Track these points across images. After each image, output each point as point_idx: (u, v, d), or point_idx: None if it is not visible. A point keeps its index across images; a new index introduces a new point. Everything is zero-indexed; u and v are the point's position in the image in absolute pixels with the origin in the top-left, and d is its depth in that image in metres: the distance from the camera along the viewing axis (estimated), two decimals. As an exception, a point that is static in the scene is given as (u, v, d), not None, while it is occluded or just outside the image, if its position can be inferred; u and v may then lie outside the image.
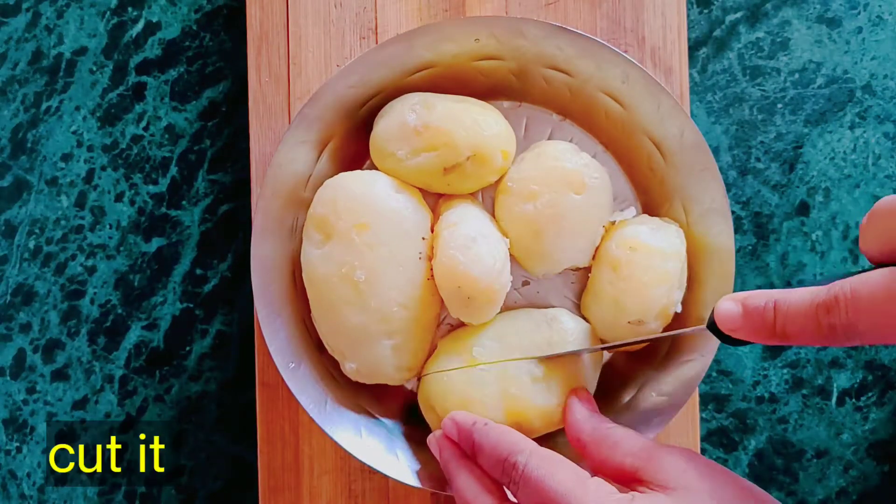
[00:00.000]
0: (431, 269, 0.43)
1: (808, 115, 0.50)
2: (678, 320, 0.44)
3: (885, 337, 0.28)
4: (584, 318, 0.45)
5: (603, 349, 0.43)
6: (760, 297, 0.32)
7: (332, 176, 0.44)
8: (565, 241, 0.44)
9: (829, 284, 0.29)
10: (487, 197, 0.47)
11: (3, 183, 0.52)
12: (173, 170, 0.52)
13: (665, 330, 0.44)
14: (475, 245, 0.41)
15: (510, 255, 0.44)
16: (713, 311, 0.34)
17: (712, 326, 0.34)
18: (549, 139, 0.47)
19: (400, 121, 0.43)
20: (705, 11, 0.51)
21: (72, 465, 0.51)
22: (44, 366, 0.52)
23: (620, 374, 0.46)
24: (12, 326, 0.52)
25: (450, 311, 0.43)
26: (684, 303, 0.44)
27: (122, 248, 0.52)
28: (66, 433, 0.51)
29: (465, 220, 0.42)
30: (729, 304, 0.33)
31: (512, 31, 0.44)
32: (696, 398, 0.47)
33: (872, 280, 0.28)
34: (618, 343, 0.43)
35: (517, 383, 0.42)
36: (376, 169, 0.45)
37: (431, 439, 0.41)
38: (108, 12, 0.52)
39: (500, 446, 0.35)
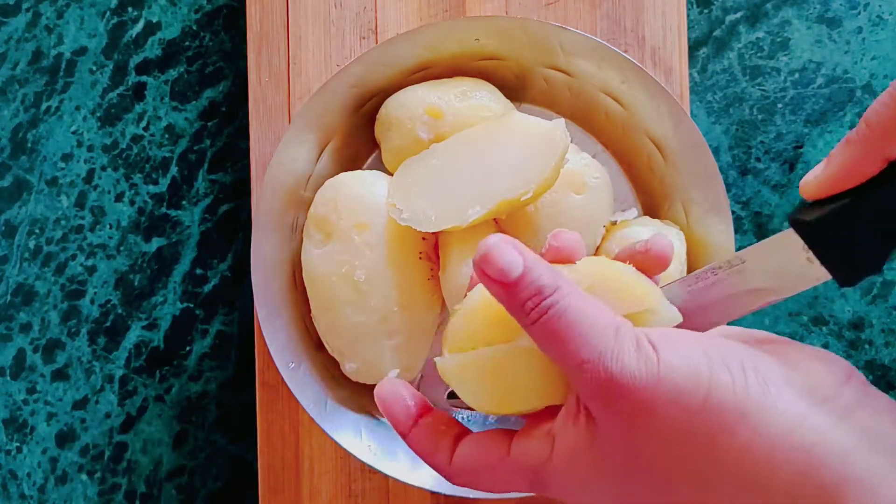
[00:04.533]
0: (432, 269, 0.43)
1: (808, 115, 0.50)
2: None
3: None
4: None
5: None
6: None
7: (332, 176, 0.44)
8: (565, 241, 0.44)
9: None
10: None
11: (3, 183, 0.52)
12: (173, 170, 0.52)
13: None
14: None
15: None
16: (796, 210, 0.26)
17: (807, 222, 0.26)
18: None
19: (413, 138, 0.43)
20: (705, 11, 0.51)
21: (72, 465, 0.51)
22: (44, 366, 0.52)
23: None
24: (12, 326, 0.52)
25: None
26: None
27: (122, 248, 0.52)
28: (66, 433, 0.51)
29: (474, 234, 0.42)
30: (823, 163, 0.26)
31: (512, 31, 0.44)
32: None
33: None
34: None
35: None
36: (377, 169, 0.45)
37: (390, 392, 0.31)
38: (108, 12, 0.52)
39: (542, 279, 0.26)
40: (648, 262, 0.29)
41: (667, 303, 0.28)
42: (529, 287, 0.25)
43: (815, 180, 0.26)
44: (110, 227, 0.52)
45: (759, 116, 0.50)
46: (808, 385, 0.25)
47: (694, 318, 0.29)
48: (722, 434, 0.24)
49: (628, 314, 0.27)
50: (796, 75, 0.51)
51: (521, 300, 0.25)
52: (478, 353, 0.28)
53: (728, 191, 0.48)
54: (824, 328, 0.50)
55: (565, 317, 0.25)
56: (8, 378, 0.52)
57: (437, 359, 0.29)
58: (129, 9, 0.52)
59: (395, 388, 0.30)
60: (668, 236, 0.30)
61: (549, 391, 0.28)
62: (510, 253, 0.25)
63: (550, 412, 0.28)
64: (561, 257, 0.29)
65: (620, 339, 0.25)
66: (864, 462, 0.23)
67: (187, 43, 0.52)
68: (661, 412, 0.24)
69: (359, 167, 0.47)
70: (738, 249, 0.49)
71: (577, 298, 0.26)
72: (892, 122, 0.24)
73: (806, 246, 0.26)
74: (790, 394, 0.24)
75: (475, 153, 0.41)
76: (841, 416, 0.24)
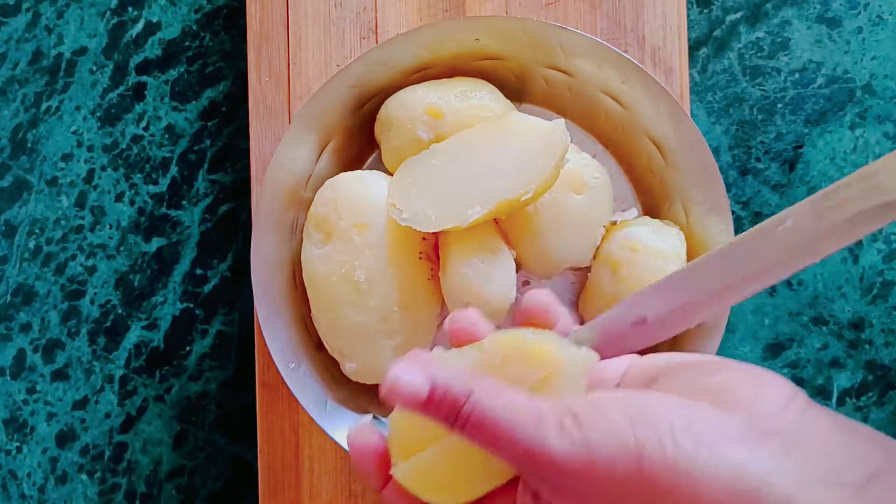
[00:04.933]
0: (432, 269, 0.43)
1: (808, 115, 0.50)
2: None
3: None
4: (582, 318, 0.45)
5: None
6: None
7: (332, 176, 0.44)
8: (566, 241, 0.44)
9: None
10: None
11: (3, 183, 0.52)
12: (173, 170, 0.52)
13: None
14: (487, 264, 0.41)
15: (510, 255, 0.44)
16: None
17: None
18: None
19: (413, 138, 0.43)
20: (705, 11, 0.51)
21: (72, 465, 0.51)
22: (44, 366, 0.52)
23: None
24: (12, 326, 0.52)
25: None
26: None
27: (122, 248, 0.52)
28: (66, 433, 0.51)
29: (474, 234, 0.42)
30: None
31: (512, 31, 0.44)
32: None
33: None
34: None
35: None
36: (377, 169, 0.45)
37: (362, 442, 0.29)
38: (108, 12, 0.52)
39: (452, 390, 0.27)
40: (533, 321, 0.30)
41: (572, 353, 0.27)
42: (442, 403, 0.26)
43: None
44: (110, 227, 0.52)
45: (759, 116, 0.50)
46: (747, 424, 0.25)
47: (820, 243, 0.27)
48: (664, 498, 0.24)
49: (541, 379, 0.27)
50: (796, 75, 0.51)
51: (439, 415, 0.26)
52: (424, 456, 0.28)
53: (728, 191, 0.48)
54: (824, 328, 0.50)
55: (486, 420, 0.25)
56: (8, 378, 0.52)
57: (391, 471, 0.28)
58: (129, 9, 0.52)
59: (368, 438, 0.29)
60: (546, 290, 0.30)
61: (503, 468, 0.28)
62: (412, 377, 0.26)
63: (513, 481, 0.28)
64: (464, 339, 0.29)
65: (543, 427, 0.25)
66: (808, 502, 0.23)
67: (187, 43, 0.52)
68: (603, 486, 0.25)
69: (359, 167, 0.47)
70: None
71: (491, 397, 0.26)
72: None
73: None
74: (726, 444, 0.24)
75: (475, 153, 0.41)
76: (783, 453, 0.24)
